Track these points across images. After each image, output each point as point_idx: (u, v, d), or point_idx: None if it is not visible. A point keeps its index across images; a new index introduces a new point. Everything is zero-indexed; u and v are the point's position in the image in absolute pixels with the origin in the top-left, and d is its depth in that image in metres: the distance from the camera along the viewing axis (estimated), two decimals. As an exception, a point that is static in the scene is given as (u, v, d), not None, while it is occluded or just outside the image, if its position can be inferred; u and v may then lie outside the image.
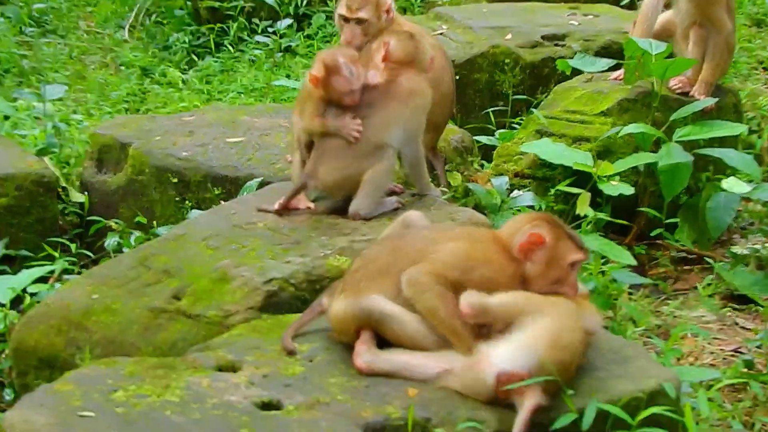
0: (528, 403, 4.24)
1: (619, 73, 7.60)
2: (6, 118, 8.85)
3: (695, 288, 6.74)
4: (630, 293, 6.53)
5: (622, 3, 10.81)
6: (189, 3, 12.59)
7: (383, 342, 4.61)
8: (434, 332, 4.56)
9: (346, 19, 6.96)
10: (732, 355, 5.99)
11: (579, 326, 4.53)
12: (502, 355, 4.34)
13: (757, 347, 5.91)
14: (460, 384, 4.43)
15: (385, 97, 5.80)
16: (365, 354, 4.55)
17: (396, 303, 4.59)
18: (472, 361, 4.41)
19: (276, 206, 5.82)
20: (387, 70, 5.90)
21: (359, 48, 6.65)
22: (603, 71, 7.81)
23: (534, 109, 7.83)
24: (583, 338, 4.53)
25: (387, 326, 4.59)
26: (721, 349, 6.08)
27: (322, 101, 5.71)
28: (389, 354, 4.57)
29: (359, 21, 6.93)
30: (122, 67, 11.46)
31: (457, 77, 7.94)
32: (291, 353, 4.69)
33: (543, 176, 7.38)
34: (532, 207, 6.93)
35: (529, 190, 7.18)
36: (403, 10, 11.57)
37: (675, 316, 6.39)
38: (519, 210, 6.85)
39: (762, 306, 6.32)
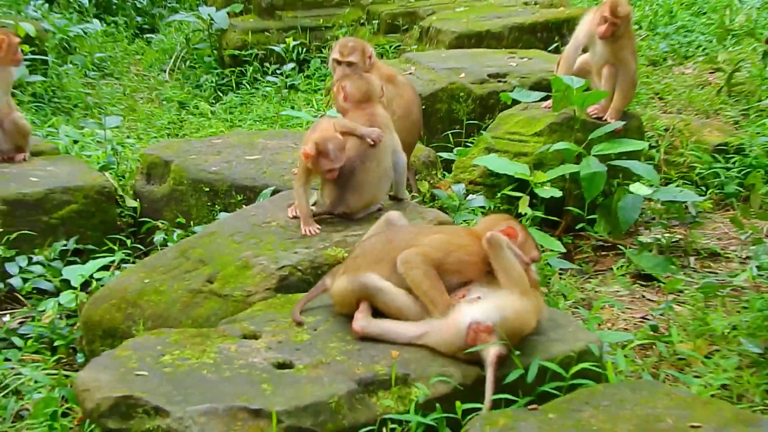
0: (493, 350, 4.21)
1: (549, 102, 7.57)
2: (75, 142, 8.78)
3: (611, 269, 6.72)
4: (560, 274, 6.51)
5: (550, 49, 10.76)
6: (215, 51, 12.54)
7: (377, 315, 4.59)
8: (416, 304, 4.52)
9: (339, 62, 6.90)
10: (641, 322, 5.96)
11: (535, 310, 4.51)
12: (476, 309, 4.32)
13: (660, 315, 5.88)
14: (437, 339, 4.42)
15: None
16: (362, 320, 4.54)
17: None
18: (449, 317, 4.37)
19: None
20: (355, 109, 5.85)
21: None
22: (536, 101, 7.77)
23: (483, 132, 7.82)
24: (534, 320, 4.51)
25: (379, 298, 4.57)
26: (632, 317, 6.05)
27: (309, 171, 5.62)
28: (380, 321, 4.55)
29: (349, 64, 6.87)
30: (164, 102, 11.40)
31: (424, 107, 7.89)
32: (299, 324, 4.67)
33: (491, 183, 7.33)
34: (483, 208, 6.90)
35: (480, 194, 7.13)
36: (381, 55, 11.52)
37: (596, 292, 6.35)
38: (473, 210, 6.82)
39: (663, 283, 6.28)
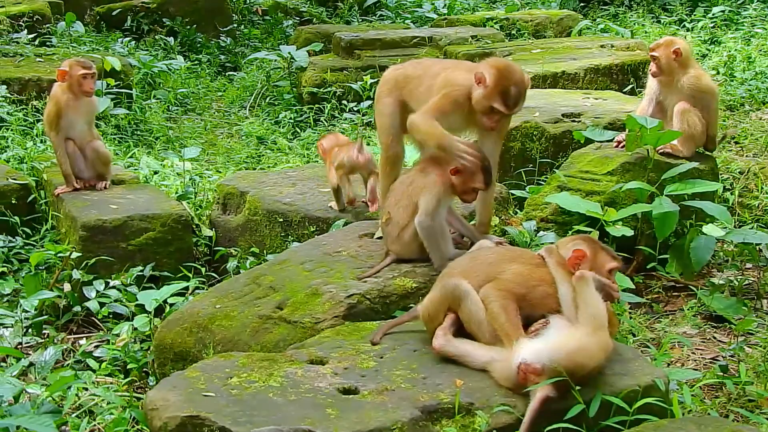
0: (539, 393, 4.17)
1: (621, 136, 7.52)
2: (155, 173, 8.91)
3: (682, 309, 6.61)
4: (630, 312, 6.43)
5: (624, 90, 10.70)
6: (294, 89, 12.66)
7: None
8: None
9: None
10: (711, 362, 5.85)
11: (604, 348, 4.45)
12: (528, 349, 4.29)
13: (731, 355, 5.78)
14: (497, 372, 4.39)
15: None
16: (441, 338, 4.57)
17: None
18: (508, 353, 4.35)
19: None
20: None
21: None
22: (609, 141, 7.72)
23: (556, 170, 7.75)
24: (605, 355, 4.45)
25: (465, 305, 4.59)
26: (702, 357, 5.95)
27: (452, 189, 5.57)
28: (458, 342, 4.56)
29: None
30: (243, 137, 11.51)
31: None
32: (374, 343, 4.72)
33: (562, 221, 7.27)
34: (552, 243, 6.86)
35: (551, 231, 7.09)
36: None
37: (665, 331, 6.26)
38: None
39: (734, 324, 6.17)
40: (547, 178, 8.20)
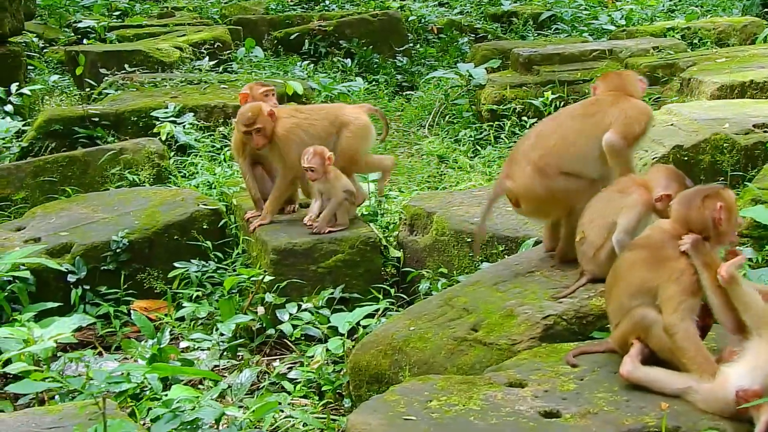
0: (765, 417, 4.04)
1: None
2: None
3: None
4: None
5: (821, 97, 10.36)
6: (473, 106, 12.67)
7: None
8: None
9: None
10: None
11: None
12: (740, 375, 4.17)
13: None
14: (703, 402, 4.27)
15: None
16: (629, 365, 4.47)
17: None
18: (714, 382, 4.24)
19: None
20: None
21: None
22: (805, 151, 7.48)
23: (748, 183, 7.55)
24: None
25: (652, 333, 4.51)
26: None
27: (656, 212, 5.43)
28: (647, 369, 4.45)
29: None
30: (423, 156, 11.57)
31: (685, 158, 7.77)
32: (573, 366, 4.68)
33: (758, 235, 7.05)
34: (750, 260, 6.65)
35: (747, 246, 6.88)
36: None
37: None
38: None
39: None
40: (739, 191, 7.98)
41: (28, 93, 12.06)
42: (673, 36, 14.37)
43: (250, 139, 7.24)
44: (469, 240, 7.04)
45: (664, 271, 4.56)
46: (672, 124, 9.09)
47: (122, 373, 5.33)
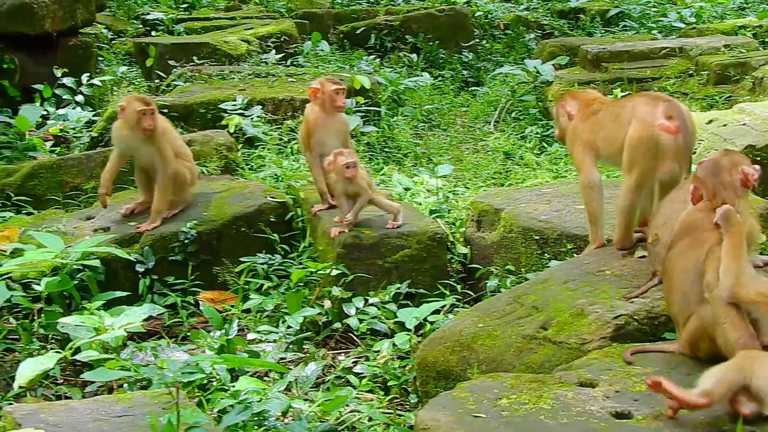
0: None
1: None
2: (407, 189, 9.02)
3: None
4: None
5: None
6: (540, 103, 12.62)
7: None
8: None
9: None
10: None
11: None
12: None
13: None
14: None
15: None
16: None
17: None
18: None
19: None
20: None
21: None
22: None
23: (823, 185, 7.46)
24: None
25: (719, 330, 4.49)
26: None
27: None
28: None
29: None
30: (489, 152, 11.53)
31: (758, 158, 7.70)
32: (628, 363, 4.69)
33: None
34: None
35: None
36: (710, 107, 11.25)
37: None
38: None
39: None
40: (812, 193, 7.87)
41: (99, 84, 12.20)
42: (744, 34, 14.18)
43: None
44: (537, 237, 6.99)
45: (707, 245, 4.61)
46: (744, 124, 9.00)
47: (193, 363, 5.37)
